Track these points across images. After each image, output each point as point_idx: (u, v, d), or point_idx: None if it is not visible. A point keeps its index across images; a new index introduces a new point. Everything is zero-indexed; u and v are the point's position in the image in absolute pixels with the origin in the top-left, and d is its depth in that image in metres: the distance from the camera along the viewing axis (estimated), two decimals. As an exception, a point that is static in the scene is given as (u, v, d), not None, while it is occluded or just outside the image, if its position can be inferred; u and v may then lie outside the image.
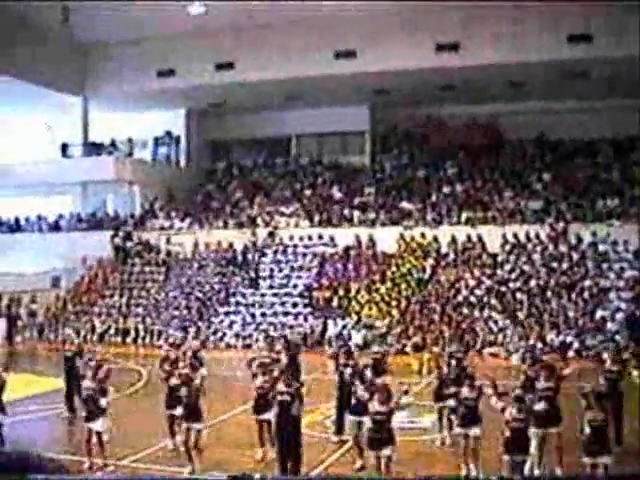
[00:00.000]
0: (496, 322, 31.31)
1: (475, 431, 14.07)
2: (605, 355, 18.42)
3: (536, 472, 13.35)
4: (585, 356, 27.94)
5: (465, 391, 14.38)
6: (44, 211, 45.15)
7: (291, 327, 33.36)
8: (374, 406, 13.17)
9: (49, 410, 19.72)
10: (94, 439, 14.89)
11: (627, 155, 39.59)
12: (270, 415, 14.77)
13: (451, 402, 16.23)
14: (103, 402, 15.09)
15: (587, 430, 12.55)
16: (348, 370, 16.84)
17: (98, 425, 14.77)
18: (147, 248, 41.24)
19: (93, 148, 44.21)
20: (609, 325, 30.17)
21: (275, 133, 47.45)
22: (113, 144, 44.96)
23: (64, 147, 44.64)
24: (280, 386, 14.00)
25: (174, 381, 15.41)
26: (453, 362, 17.64)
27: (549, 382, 14.62)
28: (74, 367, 19.51)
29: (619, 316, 30.39)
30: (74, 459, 14.99)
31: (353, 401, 15.26)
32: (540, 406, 13.87)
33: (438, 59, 36.51)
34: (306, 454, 14.06)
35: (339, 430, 17.06)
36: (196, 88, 41.44)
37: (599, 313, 30.78)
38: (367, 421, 14.48)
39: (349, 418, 15.57)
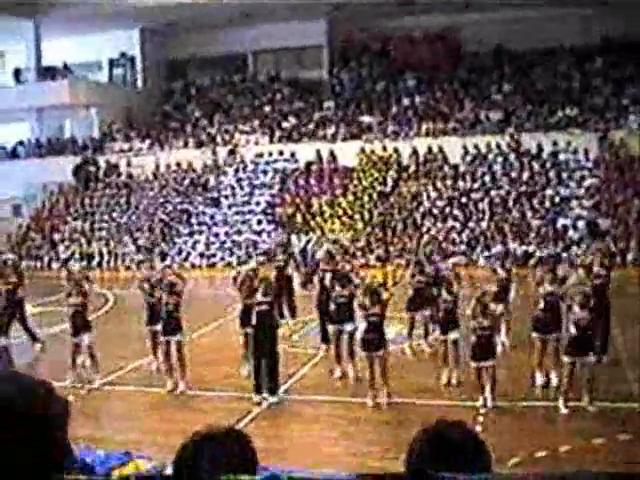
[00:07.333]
0: (459, 233, 31.59)
1: (454, 335, 14.10)
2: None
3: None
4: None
5: (443, 295, 14.34)
6: (0, 139, 44.45)
7: (255, 244, 33.54)
8: (368, 307, 13.24)
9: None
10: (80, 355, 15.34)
11: (587, 64, 39.48)
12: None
13: (426, 312, 16.40)
14: (88, 316, 15.60)
15: (572, 330, 12.40)
16: (328, 275, 16.80)
17: (86, 338, 15.06)
18: (109, 171, 40.91)
19: (47, 73, 43.42)
20: (570, 233, 30.52)
21: (232, 50, 46.55)
22: (66, 67, 44.17)
23: (17, 72, 43.79)
24: (259, 296, 13.73)
25: (157, 295, 15.28)
26: (427, 269, 17.08)
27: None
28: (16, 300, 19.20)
29: (580, 224, 30.73)
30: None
31: (332, 308, 15.15)
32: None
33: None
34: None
35: (324, 338, 16.93)
36: (149, 7, 40.49)
37: (560, 222, 31.10)
38: (349, 328, 14.76)
39: (330, 327, 15.51)
